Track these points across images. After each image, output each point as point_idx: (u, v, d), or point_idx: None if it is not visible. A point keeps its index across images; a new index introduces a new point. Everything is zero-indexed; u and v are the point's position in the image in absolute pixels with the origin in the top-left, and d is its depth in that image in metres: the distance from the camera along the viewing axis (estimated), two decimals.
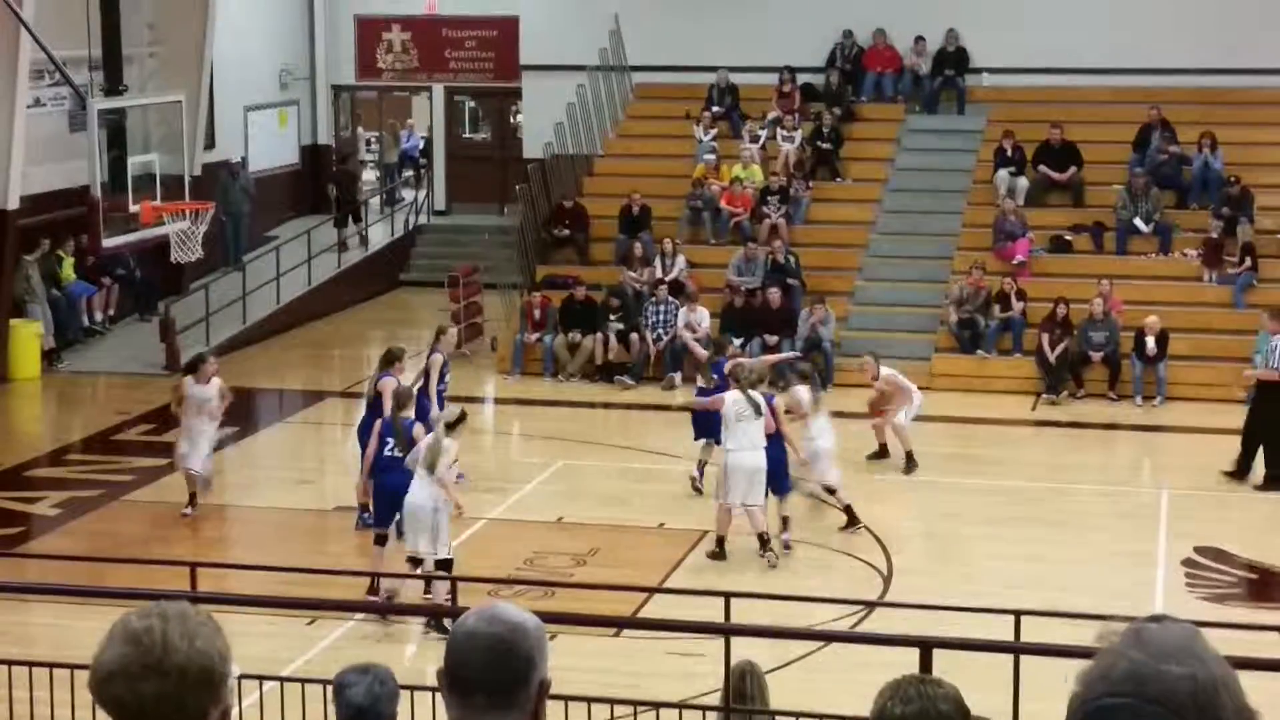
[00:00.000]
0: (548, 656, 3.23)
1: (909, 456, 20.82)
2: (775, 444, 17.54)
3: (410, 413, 16.93)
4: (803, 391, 18.76)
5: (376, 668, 7.06)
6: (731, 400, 17.33)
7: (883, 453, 21.17)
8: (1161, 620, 2.33)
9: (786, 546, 17.77)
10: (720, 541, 17.64)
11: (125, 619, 3.05)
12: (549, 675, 3.24)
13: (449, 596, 13.29)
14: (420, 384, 19.46)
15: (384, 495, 16.50)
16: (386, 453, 16.51)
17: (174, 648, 2.99)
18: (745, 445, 17.15)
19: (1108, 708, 2.18)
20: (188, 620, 3.05)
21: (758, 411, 17.17)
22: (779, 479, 17.74)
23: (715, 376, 18.83)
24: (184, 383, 19.08)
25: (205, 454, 19.02)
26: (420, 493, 15.48)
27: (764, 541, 17.35)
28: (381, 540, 16.40)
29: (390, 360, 18.53)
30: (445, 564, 15.47)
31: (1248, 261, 26.11)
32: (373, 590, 15.88)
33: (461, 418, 16.45)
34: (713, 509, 17.83)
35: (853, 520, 18.36)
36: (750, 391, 17.32)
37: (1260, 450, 20.44)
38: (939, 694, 4.47)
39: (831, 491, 18.61)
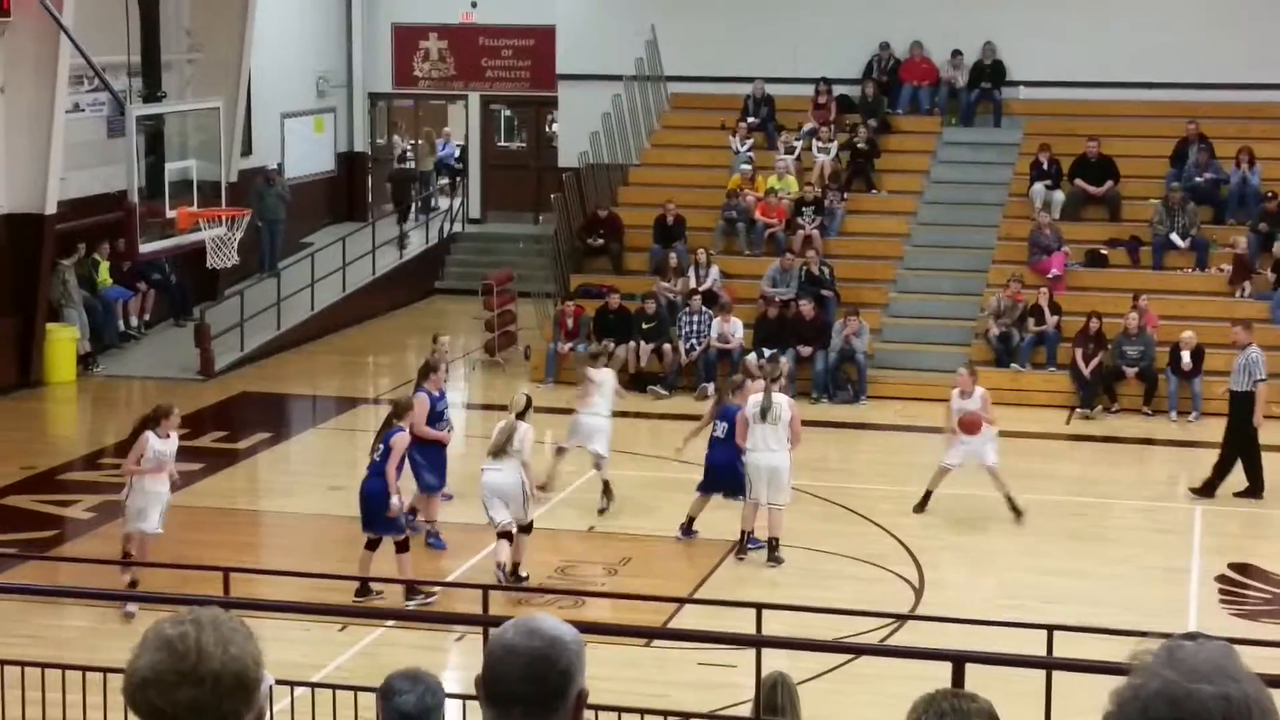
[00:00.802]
0: (585, 667, 3.23)
1: (1009, 501, 19.50)
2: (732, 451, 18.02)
3: (405, 422, 16.85)
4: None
5: (428, 677, 7.03)
6: (749, 403, 17.93)
7: (925, 503, 19.81)
8: (1196, 638, 2.32)
9: (740, 556, 17.96)
10: (744, 535, 18.05)
11: (159, 625, 3.06)
12: (586, 686, 3.24)
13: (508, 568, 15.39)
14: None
15: (362, 499, 16.75)
16: (378, 458, 16.71)
17: (208, 654, 2.99)
18: (755, 445, 17.75)
19: None
20: (221, 626, 3.06)
21: (764, 414, 17.63)
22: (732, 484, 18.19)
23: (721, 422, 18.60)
24: (145, 437, 17.05)
25: (158, 518, 16.92)
26: (493, 476, 16.81)
27: (774, 545, 17.81)
28: (371, 545, 16.58)
29: (426, 372, 18.59)
30: (526, 527, 17.00)
31: (1273, 277, 26.04)
32: (361, 593, 16.16)
33: (528, 404, 17.22)
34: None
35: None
36: (768, 394, 17.84)
37: (1238, 463, 20.49)
38: (973, 709, 4.45)
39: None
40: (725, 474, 18.16)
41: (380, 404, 24.12)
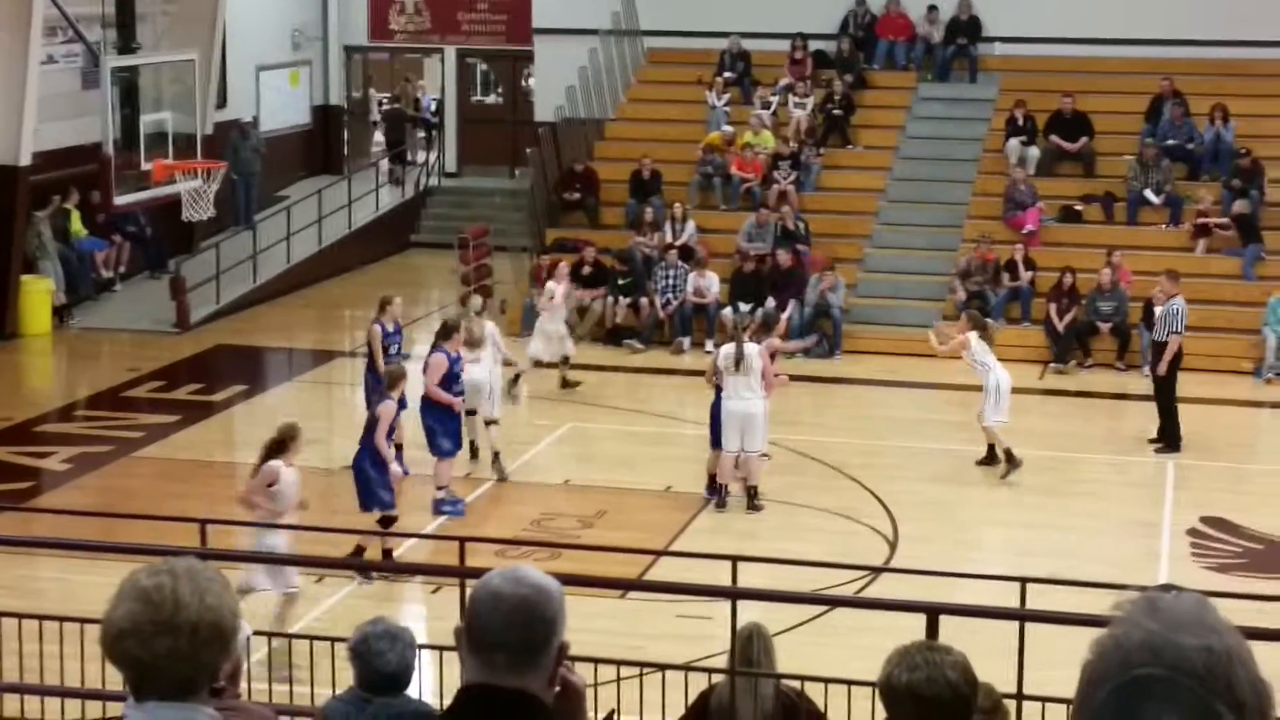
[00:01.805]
0: (566, 620, 3.26)
1: (1008, 455, 19.47)
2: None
3: (395, 393, 16.39)
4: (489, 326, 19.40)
5: (403, 632, 7.05)
6: (721, 353, 18.25)
7: (990, 458, 19.77)
8: (1169, 590, 2.35)
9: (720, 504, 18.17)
10: (720, 488, 18.20)
11: (134, 576, 3.09)
12: (567, 639, 3.26)
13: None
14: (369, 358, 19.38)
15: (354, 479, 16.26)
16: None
17: (185, 604, 3.02)
18: (730, 394, 17.93)
19: (1142, 680, 2.20)
20: (197, 577, 3.08)
21: (737, 363, 17.79)
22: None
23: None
24: (274, 468, 14.25)
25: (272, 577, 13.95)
26: (472, 369, 18.28)
27: (752, 493, 18.06)
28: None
29: (447, 333, 18.21)
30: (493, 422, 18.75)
31: (1233, 232, 26.23)
32: (357, 553, 15.78)
33: (515, 379, 19.70)
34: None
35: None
36: (740, 344, 17.96)
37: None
38: (946, 661, 4.51)
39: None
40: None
41: (356, 357, 24.10)
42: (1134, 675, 2.19)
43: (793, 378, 22.10)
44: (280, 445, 14.15)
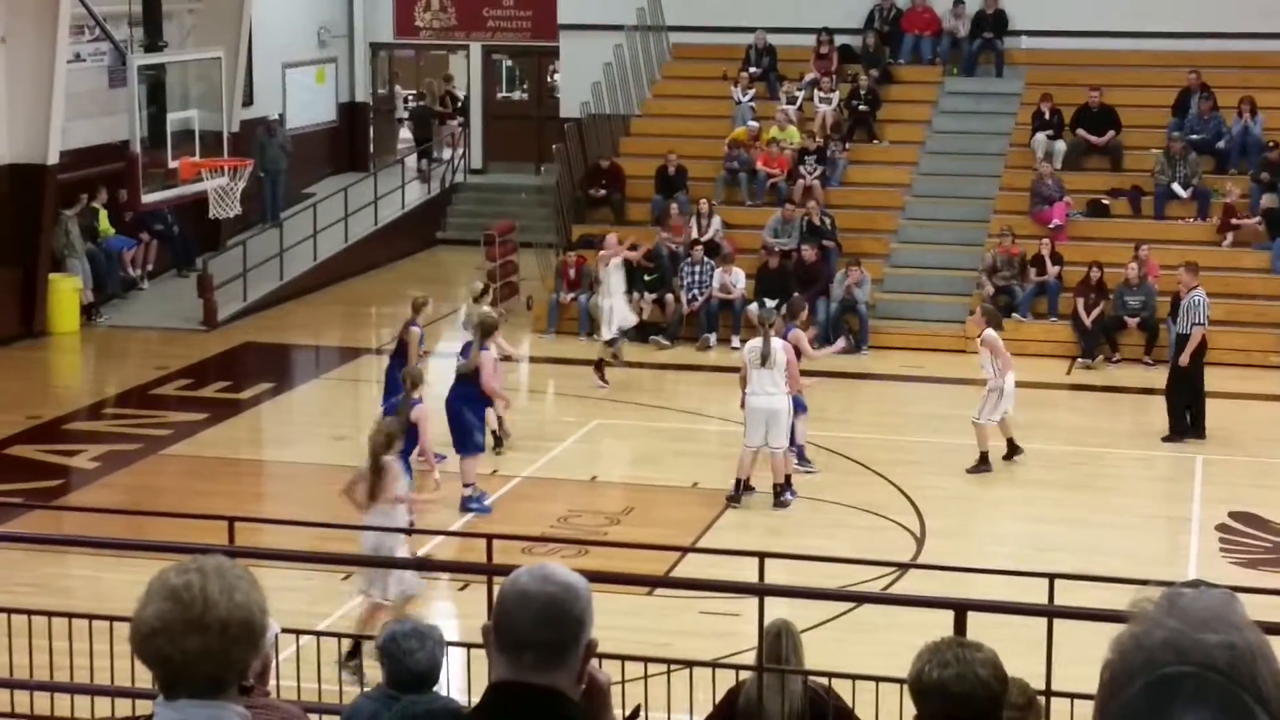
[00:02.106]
0: (594, 618, 3.26)
1: (983, 457, 19.40)
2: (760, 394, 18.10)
3: (417, 394, 16.39)
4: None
5: (432, 630, 7.05)
6: (747, 348, 18.28)
7: (984, 462, 19.45)
8: (1196, 586, 2.34)
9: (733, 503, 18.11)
10: (738, 484, 18.11)
11: (163, 575, 3.09)
12: (595, 637, 3.26)
13: None
14: (394, 355, 19.45)
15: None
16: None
17: (214, 602, 3.03)
18: (755, 390, 17.89)
19: (1172, 677, 2.19)
20: (226, 575, 3.09)
21: (764, 359, 17.74)
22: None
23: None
24: (391, 464, 13.93)
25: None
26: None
27: (779, 490, 18.00)
28: None
29: (488, 331, 18.30)
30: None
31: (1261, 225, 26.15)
32: None
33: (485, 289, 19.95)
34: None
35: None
36: (767, 339, 17.89)
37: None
38: (977, 658, 4.50)
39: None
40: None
41: (382, 354, 24.12)
42: (1163, 673, 2.19)
43: (819, 373, 22.10)
44: (389, 441, 13.92)
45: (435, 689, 7.03)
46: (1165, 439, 20.73)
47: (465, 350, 18.41)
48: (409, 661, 6.85)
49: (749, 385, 17.97)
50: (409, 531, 14.34)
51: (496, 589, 3.31)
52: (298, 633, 10.75)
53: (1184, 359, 20.62)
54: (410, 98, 38.95)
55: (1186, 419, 20.78)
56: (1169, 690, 2.18)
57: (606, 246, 24.22)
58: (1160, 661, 2.20)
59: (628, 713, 10.16)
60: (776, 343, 17.99)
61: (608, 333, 23.56)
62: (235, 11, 29.19)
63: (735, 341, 24.31)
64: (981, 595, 10.93)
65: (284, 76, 33.93)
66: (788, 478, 18.17)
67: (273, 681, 7.35)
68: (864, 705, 9.19)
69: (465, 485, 17.97)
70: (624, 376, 23.79)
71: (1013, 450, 19.62)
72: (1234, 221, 26.37)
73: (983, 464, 19.29)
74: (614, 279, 23.93)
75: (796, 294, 22.90)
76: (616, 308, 23.77)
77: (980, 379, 19.79)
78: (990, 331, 19.34)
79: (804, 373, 18.81)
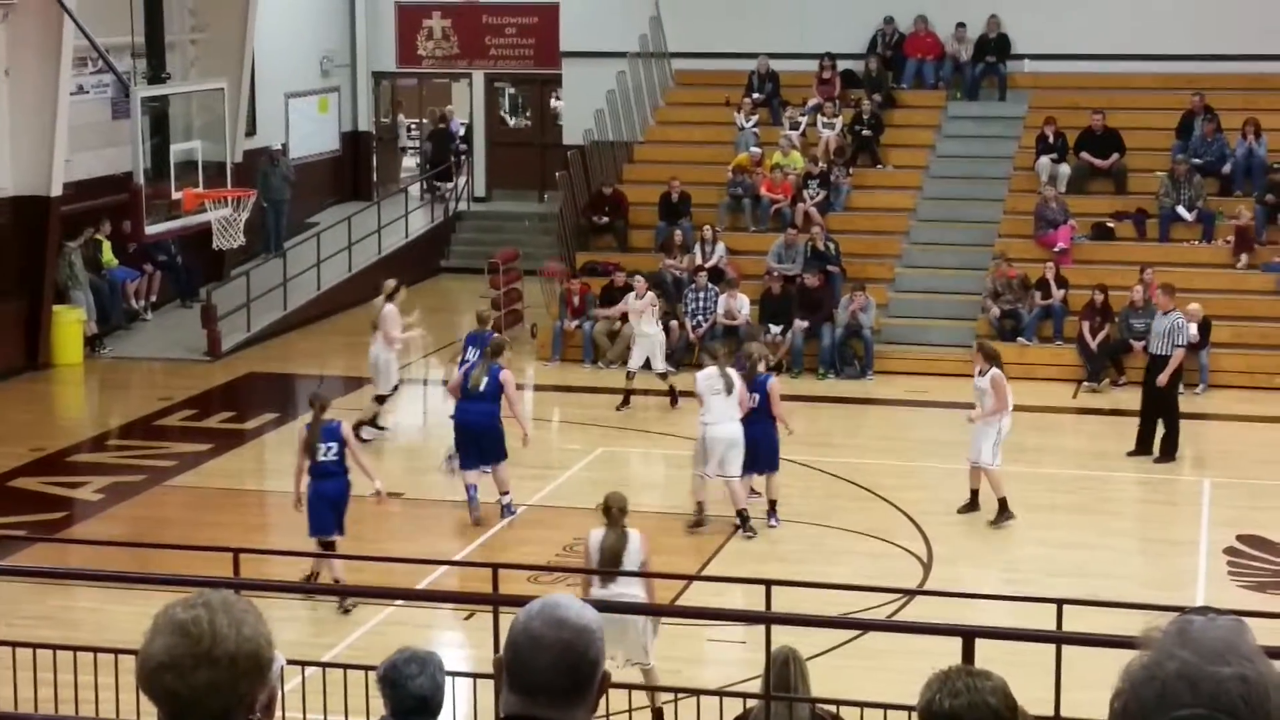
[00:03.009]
0: (605, 650, 3.22)
1: (1002, 505, 18.37)
2: (766, 424, 18.12)
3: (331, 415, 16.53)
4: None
5: (430, 656, 7.03)
6: (703, 376, 18.15)
7: (972, 505, 18.69)
8: (1204, 614, 2.31)
9: (758, 525, 18.06)
10: (700, 507, 18.26)
11: (169, 610, 3.07)
12: (608, 668, 3.23)
13: None
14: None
15: (324, 502, 15.94)
16: (321, 458, 16.02)
17: (223, 636, 3.01)
18: (718, 419, 17.88)
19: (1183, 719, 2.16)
20: (232, 608, 3.07)
21: (729, 388, 17.78)
22: (769, 458, 18.22)
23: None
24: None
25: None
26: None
27: (743, 519, 17.97)
28: (328, 545, 15.86)
29: (497, 351, 18.88)
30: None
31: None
32: (311, 577, 15.70)
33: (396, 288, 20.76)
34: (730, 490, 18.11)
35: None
36: (725, 369, 17.96)
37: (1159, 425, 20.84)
38: (987, 687, 4.47)
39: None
40: (766, 447, 18.17)
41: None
42: (1175, 716, 2.16)
43: (824, 399, 22.09)
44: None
45: (440, 717, 6.99)
46: (1130, 454, 20.85)
47: (470, 368, 18.50)
48: (411, 686, 6.83)
49: (707, 414, 17.92)
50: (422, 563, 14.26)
51: (504, 619, 3.27)
52: (303, 664, 10.71)
53: (1163, 379, 20.57)
54: (425, 121, 38.94)
55: (1153, 439, 20.77)
56: None
57: (636, 295, 24.40)
58: (1174, 696, 2.17)
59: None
60: (731, 372, 17.99)
61: (660, 365, 24.10)
62: (238, 42, 29.24)
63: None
64: (989, 621, 10.90)
65: (287, 106, 33.98)
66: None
67: (278, 714, 7.33)
68: None
69: (503, 492, 18.39)
70: (630, 403, 23.77)
71: (973, 505, 18.64)
72: (1244, 236, 26.25)
73: (1003, 511, 18.29)
74: (646, 326, 24.26)
75: (753, 336, 23.29)
76: (657, 339, 24.28)
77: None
78: (997, 370, 18.29)
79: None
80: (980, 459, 18.29)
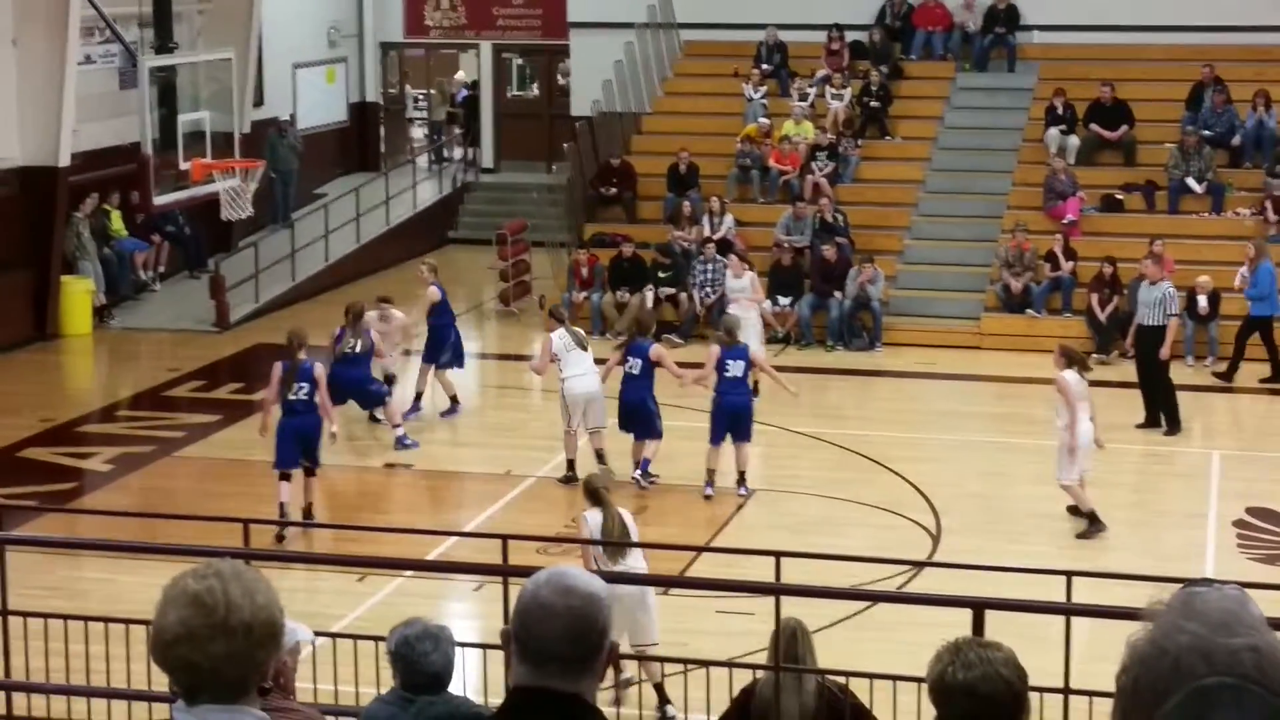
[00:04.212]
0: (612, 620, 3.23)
1: (1091, 517, 17.13)
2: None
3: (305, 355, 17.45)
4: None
5: (441, 630, 7.03)
6: (557, 336, 18.71)
7: (1076, 512, 17.34)
8: (1207, 586, 2.31)
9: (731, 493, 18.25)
10: (570, 464, 18.70)
11: (180, 582, 3.07)
12: (615, 639, 3.24)
13: None
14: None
15: (290, 437, 17.21)
16: (292, 396, 17.14)
17: (237, 605, 3.01)
18: (577, 373, 18.57)
19: (1210, 689, 2.16)
20: (243, 578, 3.08)
21: (582, 345, 18.70)
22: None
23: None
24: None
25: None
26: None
27: (600, 458, 18.60)
28: (286, 477, 17.18)
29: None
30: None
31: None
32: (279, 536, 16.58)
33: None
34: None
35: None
36: (574, 328, 19.02)
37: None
38: (999, 658, 4.49)
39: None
40: (744, 415, 18.43)
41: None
42: (1200, 685, 2.16)
43: (832, 371, 22.00)
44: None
45: (449, 689, 7.00)
46: (1139, 426, 20.80)
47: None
48: (424, 664, 6.83)
49: (566, 369, 18.52)
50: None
51: (513, 590, 3.28)
52: (314, 634, 10.71)
53: (1165, 351, 20.53)
54: (462, 87, 38.83)
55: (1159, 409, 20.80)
56: (1207, 701, 2.15)
57: (734, 274, 23.66)
58: (1189, 668, 2.17)
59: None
60: (579, 330, 19.19)
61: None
62: (245, 12, 29.18)
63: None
64: (999, 593, 10.89)
65: (294, 77, 33.91)
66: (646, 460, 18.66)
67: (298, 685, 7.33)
68: (881, 705, 9.14)
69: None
70: None
71: (1079, 513, 17.34)
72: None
73: (1094, 524, 17.07)
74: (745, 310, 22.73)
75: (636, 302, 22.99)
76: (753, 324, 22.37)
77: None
78: (1069, 374, 16.81)
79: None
80: (1060, 477, 17.03)
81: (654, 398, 18.67)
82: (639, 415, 18.60)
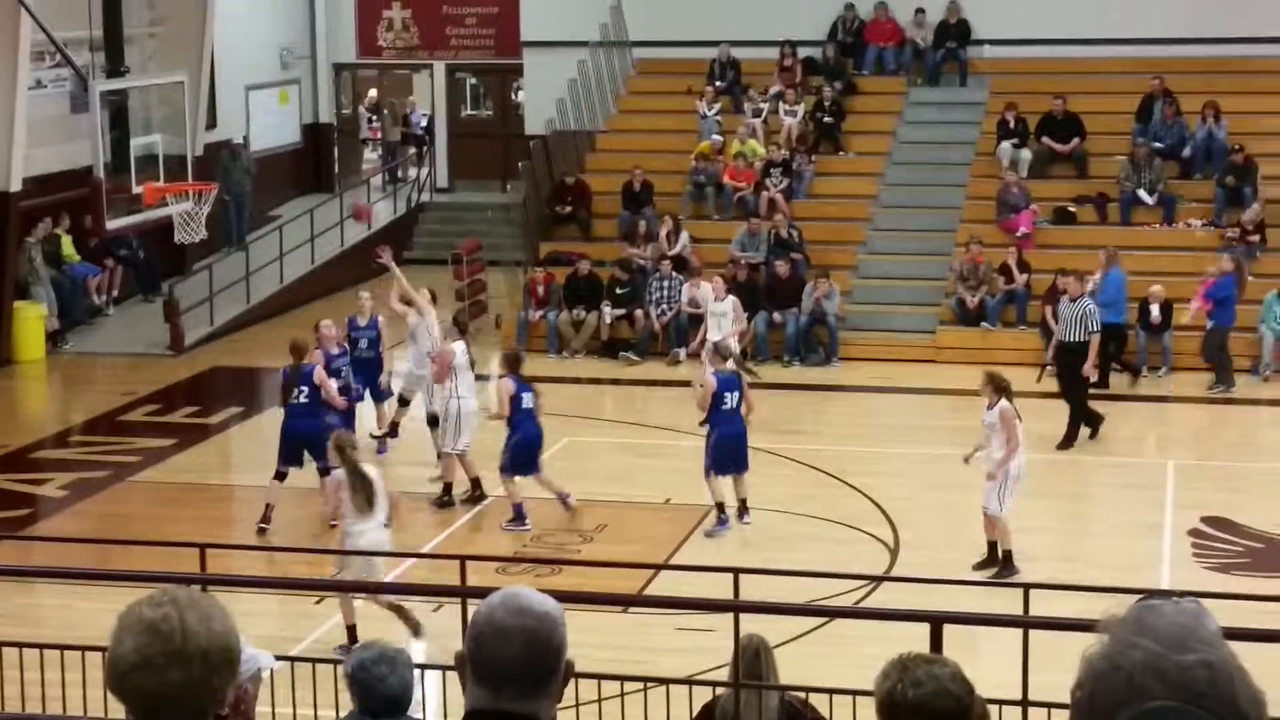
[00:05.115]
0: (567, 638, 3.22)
1: (1006, 557, 16.27)
2: (739, 418, 17.77)
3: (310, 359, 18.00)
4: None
5: (398, 653, 7.01)
6: (461, 350, 18.61)
7: (991, 559, 16.43)
8: (1163, 600, 2.31)
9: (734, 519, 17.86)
10: (448, 488, 18.72)
11: (136, 609, 3.05)
12: (571, 658, 3.23)
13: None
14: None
15: (291, 438, 17.91)
16: (293, 400, 17.86)
17: (194, 633, 3.00)
18: (470, 393, 18.61)
19: (1155, 713, 2.16)
20: (199, 605, 3.06)
21: (473, 362, 18.81)
22: (745, 455, 17.91)
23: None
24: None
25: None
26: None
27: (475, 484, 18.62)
28: (280, 476, 17.86)
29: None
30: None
31: (1256, 234, 26.07)
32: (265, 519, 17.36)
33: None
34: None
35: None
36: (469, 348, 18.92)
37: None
38: (946, 674, 4.51)
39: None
40: (741, 445, 17.85)
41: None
42: (1146, 708, 2.16)
43: (789, 386, 21.99)
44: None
45: (408, 713, 6.97)
46: (1059, 447, 20.55)
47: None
48: (381, 687, 6.80)
49: (463, 387, 18.46)
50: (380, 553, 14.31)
51: (470, 623, 3.26)
52: (276, 660, 10.67)
53: (1090, 370, 20.42)
54: (416, 109, 38.87)
55: (1098, 419, 20.73)
56: None
57: (716, 296, 23.07)
58: (1141, 686, 2.17)
59: None
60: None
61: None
62: (197, 34, 29.09)
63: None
64: (956, 606, 10.92)
65: (247, 99, 33.84)
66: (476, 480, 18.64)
67: (258, 709, 7.32)
68: (841, 719, 9.15)
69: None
70: (594, 393, 23.76)
71: (991, 560, 16.42)
72: (1240, 232, 26.09)
73: (1006, 564, 16.14)
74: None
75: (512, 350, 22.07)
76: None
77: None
78: (1006, 403, 16.28)
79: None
80: (989, 506, 16.30)
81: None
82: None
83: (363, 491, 14.38)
